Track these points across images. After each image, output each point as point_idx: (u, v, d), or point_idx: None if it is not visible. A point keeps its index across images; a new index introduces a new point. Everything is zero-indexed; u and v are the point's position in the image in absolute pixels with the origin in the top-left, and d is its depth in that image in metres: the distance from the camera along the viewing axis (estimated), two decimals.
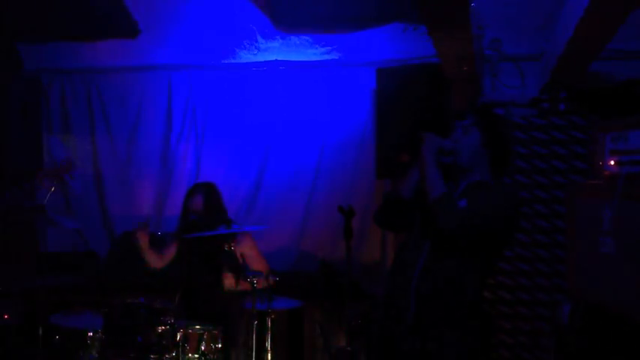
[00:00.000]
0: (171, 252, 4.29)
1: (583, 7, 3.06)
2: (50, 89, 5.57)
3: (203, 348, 3.71)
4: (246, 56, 5.23)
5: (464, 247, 2.59)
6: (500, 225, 2.60)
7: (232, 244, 4.03)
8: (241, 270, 3.96)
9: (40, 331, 4.14)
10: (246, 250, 4.13)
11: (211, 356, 3.74)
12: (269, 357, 3.97)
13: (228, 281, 4.04)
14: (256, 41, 5.15)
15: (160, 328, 3.60)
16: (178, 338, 3.64)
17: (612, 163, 2.93)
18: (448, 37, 3.50)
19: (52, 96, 5.57)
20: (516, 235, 3.86)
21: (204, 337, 3.72)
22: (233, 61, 5.26)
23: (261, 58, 5.21)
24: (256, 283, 3.83)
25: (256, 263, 4.14)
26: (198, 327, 3.73)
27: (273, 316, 3.99)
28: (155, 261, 4.23)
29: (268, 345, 3.96)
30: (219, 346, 3.78)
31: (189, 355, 3.69)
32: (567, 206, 3.25)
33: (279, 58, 5.19)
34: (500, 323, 4.03)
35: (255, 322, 3.86)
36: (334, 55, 5.13)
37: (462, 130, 2.73)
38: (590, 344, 3.01)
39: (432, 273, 2.63)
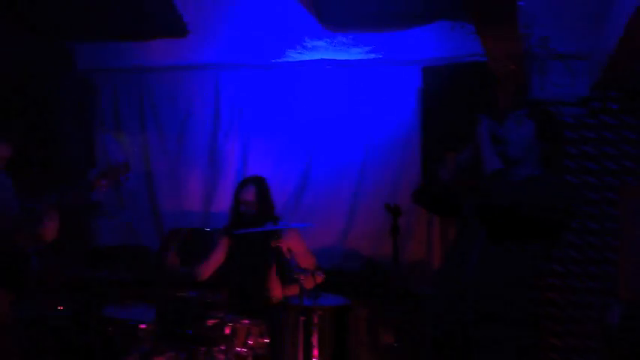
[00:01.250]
0: (218, 255, 4.31)
1: (634, 5, 3.02)
2: (102, 88, 5.72)
3: (250, 342, 3.77)
4: (293, 55, 5.28)
5: (518, 230, 2.55)
6: (558, 205, 2.54)
7: (280, 241, 4.08)
8: (288, 266, 4.01)
9: (93, 323, 4.25)
10: (294, 246, 4.18)
11: (258, 350, 3.80)
12: (315, 353, 4.01)
13: (278, 277, 4.08)
14: (304, 40, 5.20)
15: (210, 322, 3.68)
16: (227, 332, 3.71)
17: None
18: (495, 35, 3.49)
19: (104, 95, 5.73)
20: (568, 231, 3.81)
21: (252, 331, 3.78)
22: (280, 60, 5.32)
23: (307, 57, 5.26)
24: (303, 279, 3.87)
25: (304, 259, 4.19)
26: (246, 321, 3.80)
27: (319, 313, 4.03)
28: (201, 274, 4.28)
29: (314, 341, 4.01)
30: (267, 340, 3.83)
31: (237, 348, 3.75)
32: (620, 208, 3.22)
33: (325, 57, 5.23)
34: (549, 325, 4.00)
35: (302, 318, 3.91)
36: (380, 54, 5.15)
37: (515, 121, 2.71)
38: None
39: (488, 264, 2.61)
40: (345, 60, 5.22)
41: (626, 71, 3.94)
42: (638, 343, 3.02)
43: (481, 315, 2.60)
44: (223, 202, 5.36)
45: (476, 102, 4.39)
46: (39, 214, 3.51)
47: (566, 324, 4.04)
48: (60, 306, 4.77)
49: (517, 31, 3.55)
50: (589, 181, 4.02)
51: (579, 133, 4.06)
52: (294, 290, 3.93)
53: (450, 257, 2.85)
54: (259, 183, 4.28)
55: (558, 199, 2.55)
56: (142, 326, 3.86)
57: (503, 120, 2.72)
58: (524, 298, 2.61)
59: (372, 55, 5.18)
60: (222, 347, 3.67)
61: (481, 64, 4.27)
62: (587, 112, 4.20)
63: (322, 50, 5.24)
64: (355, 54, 5.20)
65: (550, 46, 4.51)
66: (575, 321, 4.02)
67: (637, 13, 3.05)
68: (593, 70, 4.30)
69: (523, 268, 2.60)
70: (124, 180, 3.99)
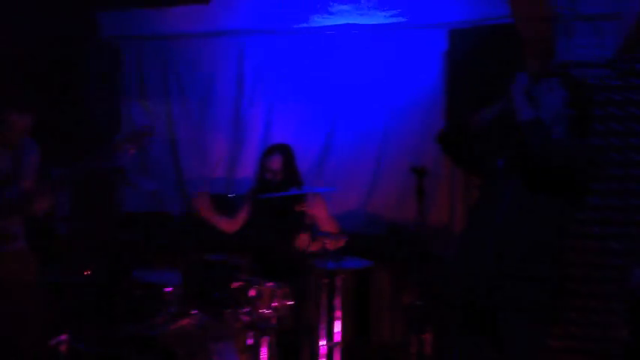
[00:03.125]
0: (242, 215, 4.39)
1: None
2: (126, 56, 5.75)
3: (275, 304, 3.83)
4: (317, 20, 5.24)
5: (549, 180, 2.56)
6: (586, 161, 2.56)
7: (303, 205, 4.11)
8: (312, 230, 4.05)
9: (122, 287, 4.34)
10: (317, 211, 4.22)
11: (282, 312, 3.86)
12: (338, 314, 4.07)
13: (302, 241, 4.13)
14: (328, 4, 5.15)
15: (235, 284, 3.74)
16: (252, 294, 3.77)
17: None
18: None
19: (129, 62, 5.76)
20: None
21: (277, 293, 3.84)
22: (304, 25, 5.28)
23: (331, 21, 5.21)
24: (327, 243, 3.91)
25: (327, 224, 4.23)
26: (270, 284, 3.86)
27: (342, 275, 4.08)
28: (226, 225, 4.35)
29: (337, 303, 4.06)
30: (290, 302, 3.89)
31: (262, 310, 3.82)
32: None
33: (349, 22, 5.18)
34: (570, 286, 4.01)
35: (326, 281, 3.96)
36: (405, 18, 5.08)
37: (547, 86, 2.70)
38: None
39: (514, 223, 2.63)
40: (370, 24, 5.17)
41: None
42: None
43: (505, 274, 2.62)
44: (247, 168, 5.41)
45: (502, 65, 4.33)
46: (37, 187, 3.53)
47: (586, 285, 4.04)
48: (87, 271, 4.88)
49: None
50: (613, 143, 3.98)
51: (605, 95, 4.01)
52: (318, 245, 3.97)
53: (473, 218, 2.86)
54: (285, 151, 4.30)
55: (590, 153, 2.56)
56: (169, 289, 3.93)
57: (534, 83, 2.71)
58: (549, 259, 2.62)
59: (397, 19, 5.11)
60: (247, 309, 3.74)
61: (508, 26, 4.20)
62: (614, 73, 4.13)
63: (347, 15, 5.19)
64: (380, 18, 5.15)
65: (577, 7, 4.43)
66: (596, 282, 4.02)
67: None
68: (621, 31, 4.22)
69: (549, 226, 2.61)
70: (148, 144, 4.02)
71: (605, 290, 3.98)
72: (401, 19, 5.07)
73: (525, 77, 2.68)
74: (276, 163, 4.23)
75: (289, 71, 5.42)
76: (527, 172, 2.59)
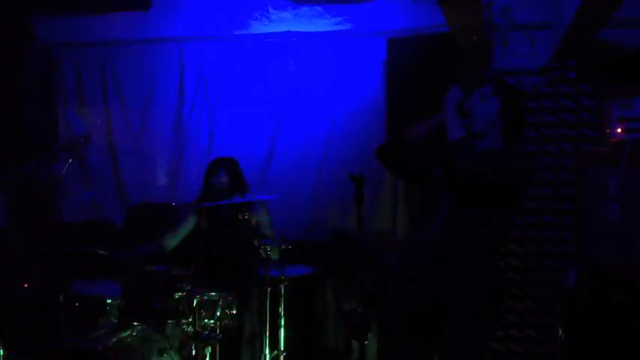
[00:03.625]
0: (185, 227, 4.33)
1: None
2: (64, 62, 5.65)
3: (218, 314, 3.80)
4: (258, 27, 5.25)
5: (480, 196, 2.61)
6: (514, 174, 2.62)
7: (247, 213, 4.10)
8: (256, 238, 4.04)
9: (60, 299, 4.23)
10: (261, 218, 4.20)
11: (226, 321, 3.84)
12: (282, 322, 4.06)
13: (246, 248, 4.11)
14: (268, 12, 5.17)
15: (177, 295, 3.70)
16: (194, 304, 3.73)
17: (619, 130, 2.97)
18: (457, 6, 3.51)
19: (66, 69, 5.65)
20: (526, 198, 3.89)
21: (220, 303, 3.81)
22: (245, 32, 5.28)
23: (272, 28, 5.23)
24: (269, 250, 3.91)
25: (270, 231, 4.22)
26: (213, 294, 3.82)
27: (286, 283, 4.08)
28: (168, 244, 4.29)
29: (281, 310, 4.06)
30: (234, 312, 3.87)
31: (205, 320, 3.78)
32: (575, 174, 3.30)
33: (290, 29, 5.20)
34: (508, 289, 4.10)
35: (269, 289, 3.95)
36: (345, 26, 5.13)
37: (480, 97, 2.75)
38: (596, 307, 3.07)
39: (452, 230, 2.67)
40: (311, 32, 5.20)
41: (584, 40, 4.01)
42: (594, 305, 3.12)
43: (444, 281, 2.66)
44: (189, 176, 5.37)
45: (440, 73, 4.42)
46: None
47: (524, 287, 4.15)
48: (25, 283, 4.74)
49: (478, 1, 3.58)
50: (547, 149, 4.10)
51: (539, 102, 4.14)
52: (262, 259, 3.96)
53: (415, 225, 2.90)
54: (230, 167, 4.26)
55: (516, 166, 2.62)
56: (109, 301, 3.86)
57: (468, 94, 2.76)
58: (487, 265, 2.68)
59: (338, 27, 5.16)
60: (190, 320, 3.69)
61: (445, 35, 4.29)
62: (547, 81, 4.26)
63: (287, 22, 5.21)
64: (321, 26, 5.18)
65: (511, 16, 4.55)
66: (533, 284, 4.13)
67: None
68: (553, 40, 4.36)
69: (486, 232, 2.66)
70: (86, 153, 3.95)
71: (542, 292, 4.10)
72: (341, 27, 5.12)
73: (458, 91, 2.73)
74: (222, 181, 4.20)
75: (231, 78, 5.40)
76: (457, 187, 2.64)
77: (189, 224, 4.32)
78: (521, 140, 2.87)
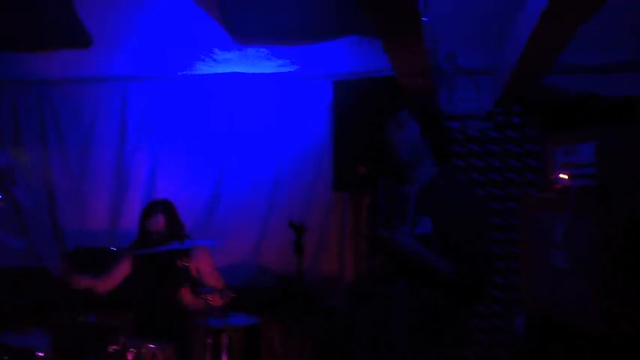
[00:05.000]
0: (120, 271, 4.15)
1: (534, 22, 3.09)
2: (1, 101, 5.43)
3: None
4: (203, 68, 5.17)
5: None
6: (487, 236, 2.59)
7: (186, 260, 3.95)
8: (196, 286, 3.89)
9: None
10: (202, 265, 4.06)
11: None
12: None
13: (186, 297, 3.95)
14: (213, 53, 5.08)
15: (111, 348, 3.51)
16: (130, 357, 3.54)
17: (564, 176, 2.96)
18: (402, 51, 3.50)
19: (3, 107, 5.44)
20: None
21: (157, 355, 3.63)
22: (189, 72, 5.20)
23: (218, 70, 5.16)
24: (211, 299, 3.76)
25: (211, 279, 4.07)
26: (151, 345, 3.64)
27: (229, 333, 3.92)
28: (102, 285, 4.09)
29: None
30: None
31: None
32: (521, 219, 3.28)
33: (236, 70, 5.14)
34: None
35: (210, 340, 3.78)
36: (291, 68, 5.10)
37: (396, 124, 2.69)
38: (544, 356, 3.02)
39: (412, 302, 2.59)
40: (257, 73, 5.15)
41: (528, 86, 4.05)
42: (542, 351, 3.07)
43: (410, 327, 2.57)
44: (131, 220, 5.15)
45: (386, 116, 4.40)
46: None
47: (472, 333, 4.09)
48: None
49: (423, 47, 3.57)
50: (494, 193, 4.10)
51: (484, 146, 4.15)
52: (202, 303, 3.80)
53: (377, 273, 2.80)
54: (167, 209, 4.12)
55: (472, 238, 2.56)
56: (39, 353, 3.65)
57: (386, 124, 2.71)
58: (453, 314, 2.61)
59: (284, 69, 5.13)
60: None
61: (391, 78, 4.29)
62: (492, 125, 4.29)
63: (233, 63, 5.15)
64: (267, 67, 5.14)
65: (456, 61, 4.60)
66: (482, 330, 4.08)
67: (535, 30, 3.13)
68: (497, 85, 4.41)
69: (443, 301, 2.58)
70: (11, 186, 3.76)
71: (491, 338, 4.04)
72: (287, 69, 5.09)
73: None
74: (157, 224, 4.04)
75: (175, 119, 5.29)
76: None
77: (124, 269, 4.13)
78: (451, 156, 2.81)
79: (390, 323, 2.58)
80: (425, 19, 3.18)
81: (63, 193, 5.36)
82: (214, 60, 5.13)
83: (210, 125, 5.24)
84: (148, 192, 5.26)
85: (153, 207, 4.14)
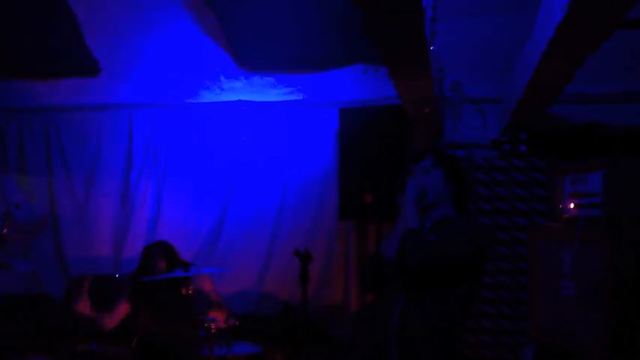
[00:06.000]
0: (123, 309, 4.12)
1: (540, 51, 3.10)
2: (7, 129, 5.46)
3: None
4: (209, 96, 5.19)
5: (436, 284, 2.56)
6: (467, 256, 2.58)
7: (190, 288, 3.92)
8: (200, 314, 3.85)
9: None
10: (205, 290, 4.02)
11: None
12: None
13: (190, 325, 3.91)
14: (219, 81, 5.12)
15: None
16: None
17: (571, 206, 2.94)
18: (408, 79, 3.51)
19: (9, 135, 5.46)
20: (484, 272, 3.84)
21: None
22: (195, 100, 5.22)
23: (224, 97, 5.18)
24: (214, 328, 3.72)
25: (214, 307, 4.03)
26: None
27: None
28: (104, 321, 4.06)
29: None
30: None
31: None
32: (529, 249, 3.25)
33: (242, 98, 5.16)
34: None
35: None
36: (297, 96, 5.12)
37: (422, 171, 2.74)
38: None
39: (410, 318, 2.58)
40: (263, 101, 5.17)
41: (534, 115, 4.05)
42: None
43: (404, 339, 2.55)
44: (135, 247, 5.14)
45: (392, 143, 4.40)
46: None
47: None
48: None
49: (429, 75, 3.58)
50: (500, 222, 4.07)
51: (491, 175, 4.13)
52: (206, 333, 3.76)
53: (373, 309, 2.80)
54: (167, 253, 4.12)
55: (467, 250, 2.57)
56: None
57: (410, 171, 2.75)
58: (447, 349, 2.58)
59: (290, 97, 5.15)
60: None
61: (396, 106, 4.30)
62: (498, 154, 4.28)
63: (239, 91, 5.17)
64: (272, 95, 5.16)
65: (462, 90, 4.61)
66: None
67: (543, 59, 3.13)
68: (504, 114, 4.40)
69: (441, 321, 2.58)
70: (15, 211, 3.79)
71: None
72: (293, 97, 5.11)
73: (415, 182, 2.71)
74: (160, 268, 4.02)
75: (181, 146, 5.30)
76: (411, 277, 2.59)
77: (125, 307, 4.09)
78: (468, 205, 2.85)
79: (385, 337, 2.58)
80: (432, 48, 3.19)
81: (67, 219, 5.35)
82: (220, 88, 5.16)
83: (216, 152, 5.24)
84: (153, 218, 5.25)
85: (151, 252, 4.13)
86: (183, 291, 3.86)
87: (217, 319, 3.79)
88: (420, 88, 3.64)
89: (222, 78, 5.10)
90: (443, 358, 2.56)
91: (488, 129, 4.57)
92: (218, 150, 5.25)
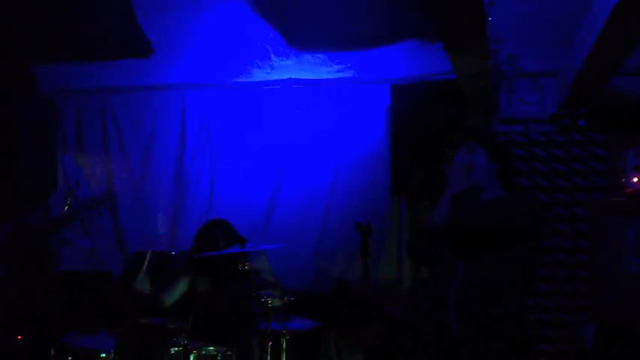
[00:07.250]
0: (181, 284, 4.18)
1: (602, 22, 3.00)
2: (64, 110, 5.59)
3: None
4: (260, 75, 5.20)
5: (491, 246, 2.55)
6: (520, 216, 2.56)
7: (247, 264, 3.96)
8: (256, 289, 3.90)
9: (52, 352, 4.08)
10: (261, 267, 4.07)
11: None
12: None
13: (246, 299, 3.95)
14: (270, 59, 5.12)
15: (173, 349, 3.54)
16: (191, 359, 3.57)
17: (635, 179, 2.86)
18: (464, 52, 3.45)
19: (67, 116, 5.60)
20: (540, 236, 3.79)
21: (218, 358, 3.64)
22: (247, 79, 5.24)
23: (275, 76, 5.18)
24: (270, 302, 3.76)
25: (270, 285, 4.07)
26: (211, 348, 3.66)
27: (288, 337, 3.92)
28: (164, 297, 4.13)
29: None
30: None
31: None
32: (589, 225, 3.18)
33: (292, 77, 5.16)
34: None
35: (270, 343, 3.79)
36: (348, 73, 5.09)
37: (467, 150, 2.76)
38: None
39: (470, 282, 2.57)
40: (314, 79, 5.15)
41: (594, 89, 3.94)
42: None
43: (466, 335, 2.54)
44: (190, 224, 5.24)
45: (445, 120, 4.35)
46: None
47: (539, 344, 3.97)
48: (19, 335, 4.59)
49: (486, 47, 3.51)
50: (559, 199, 3.99)
51: (548, 150, 4.04)
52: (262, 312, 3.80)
53: (433, 280, 2.80)
54: (225, 231, 4.09)
55: (522, 212, 2.55)
56: (103, 355, 3.70)
57: (455, 151, 2.72)
58: (509, 313, 2.56)
59: (340, 75, 5.12)
60: None
61: (450, 81, 4.24)
62: (556, 129, 4.18)
63: (289, 69, 5.17)
64: (323, 73, 5.14)
65: (518, 63, 4.50)
66: (548, 340, 3.96)
67: (604, 31, 3.04)
68: (562, 88, 4.29)
69: (503, 282, 2.56)
70: (77, 189, 3.90)
71: (557, 349, 3.92)
72: (344, 75, 5.07)
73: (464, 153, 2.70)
74: (218, 245, 4.04)
75: (233, 125, 5.34)
76: (466, 237, 2.58)
77: (185, 281, 4.15)
78: (515, 185, 2.83)
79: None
80: (489, 19, 3.12)
81: (124, 198, 5.47)
82: (271, 66, 5.16)
83: (268, 130, 5.26)
84: (207, 196, 5.33)
85: (210, 229, 4.11)
86: (239, 266, 3.90)
87: (273, 295, 3.82)
88: (476, 61, 3.58)
89: (272, 56, 5.10)
90: (504, 319, 2.54)
91: (546, 103, 4.46)
92: (269, 128, 5.27)
